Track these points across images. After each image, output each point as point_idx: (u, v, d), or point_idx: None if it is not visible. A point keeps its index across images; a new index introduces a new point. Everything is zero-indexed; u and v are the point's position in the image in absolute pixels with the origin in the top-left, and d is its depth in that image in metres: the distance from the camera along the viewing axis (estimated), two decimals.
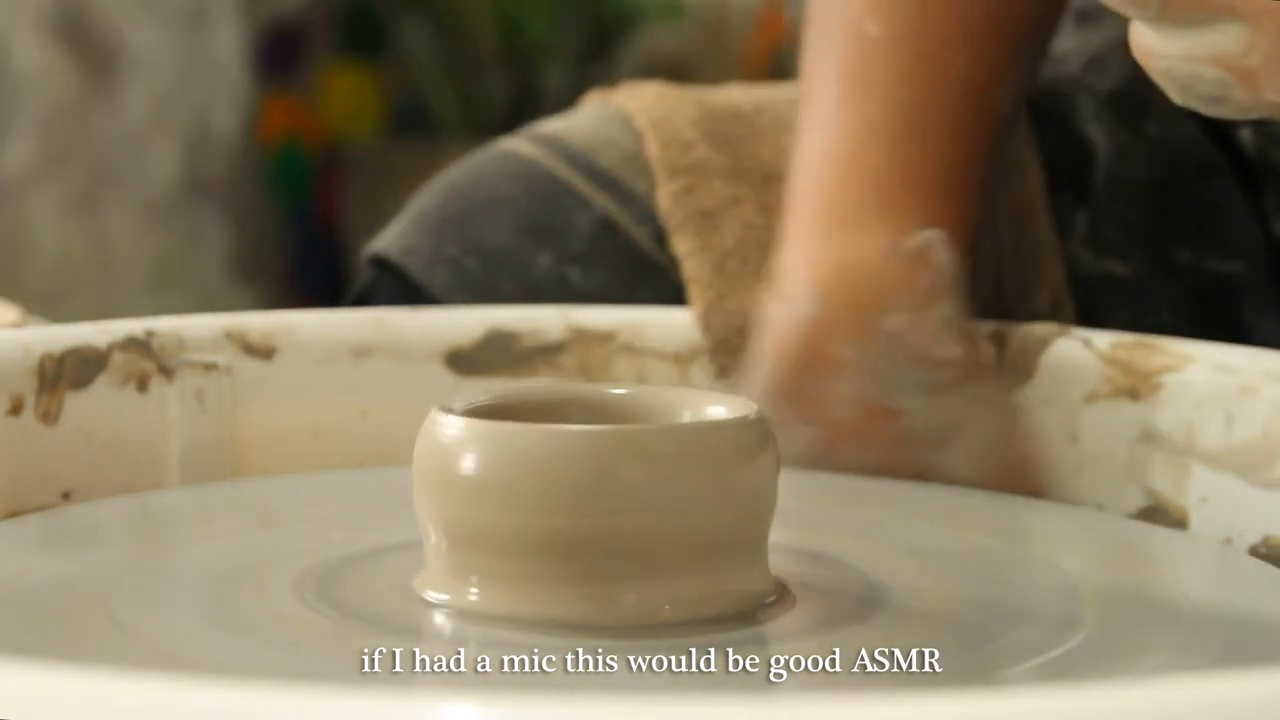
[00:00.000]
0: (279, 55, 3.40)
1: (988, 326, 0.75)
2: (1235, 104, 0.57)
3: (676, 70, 3.08)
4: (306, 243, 3.38)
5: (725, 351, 0.76)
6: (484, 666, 0.52)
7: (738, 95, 0.89)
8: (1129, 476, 0.71)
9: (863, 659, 0.51)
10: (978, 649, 0.52)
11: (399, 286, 0.86)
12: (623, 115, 0.88)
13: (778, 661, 0.51)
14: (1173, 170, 0.78)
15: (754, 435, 0.54)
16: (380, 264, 0.88)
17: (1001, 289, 0.80)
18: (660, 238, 0.83)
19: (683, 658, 0.51)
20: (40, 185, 2.92)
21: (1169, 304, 0.77)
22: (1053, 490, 0.71)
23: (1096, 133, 0.75)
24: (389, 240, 0.88)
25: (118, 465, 0.71)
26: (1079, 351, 0.72)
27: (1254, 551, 0.67)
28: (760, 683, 0.50)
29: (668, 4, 3.27)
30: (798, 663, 0.51)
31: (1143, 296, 0.80)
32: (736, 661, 0.51)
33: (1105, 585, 0.59)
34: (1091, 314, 0.76)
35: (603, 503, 0.52)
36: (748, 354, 0.75)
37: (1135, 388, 0.71)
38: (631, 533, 0.52)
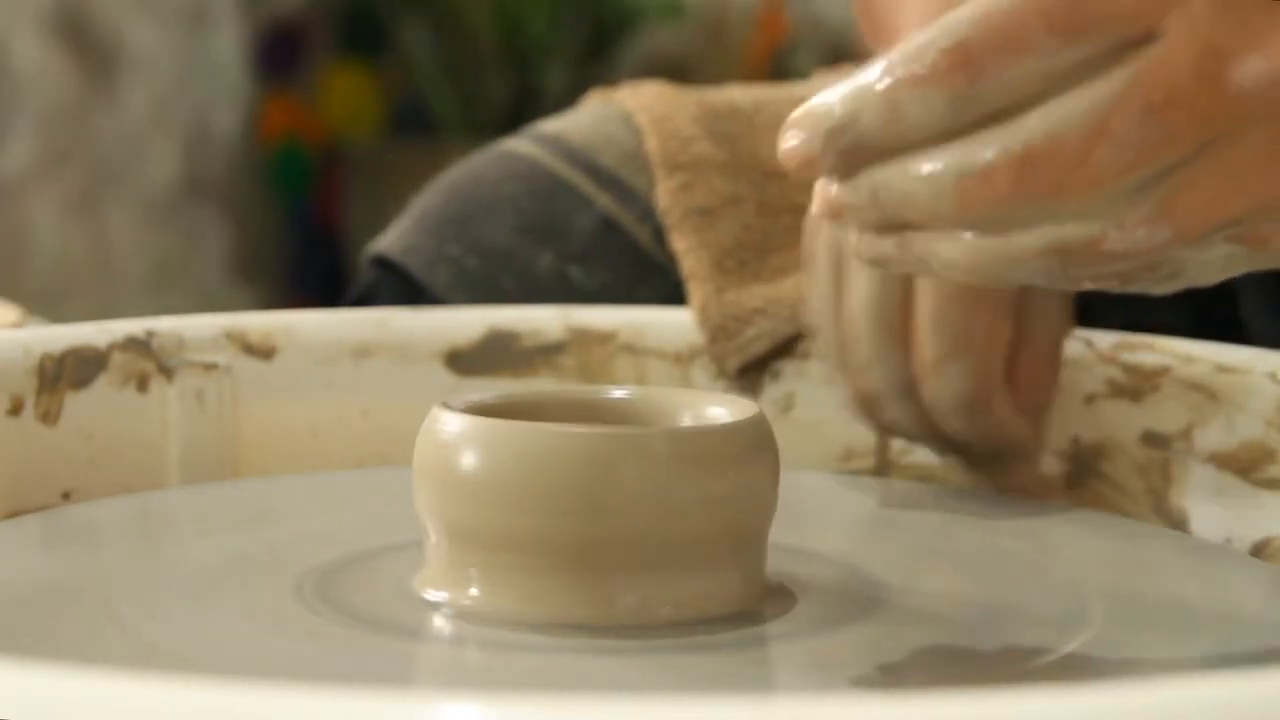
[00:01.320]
0: (279, 55, 3.40)
1: None
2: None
3: (676, 70, 3.08)
4: (306, 243, 3.38)
5: (723, 338, 0.76)
6: (484, 666, 0.52)
7: (737, 94, 0.89)
8: (1129, 476, 0.71)
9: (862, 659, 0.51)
10: (978, 649, 0.52)
11: (400, 286, 0.86)
12: (623, 113, 0.88)
13: (778, 662, 0.51)
14: None
15: (754, 437, 0.54)
16: (381, 264, 0.88)
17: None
18: (661, 236, 0.83)
19: (683, 658, 0.51)
20: (40, 185, 2.92)
21: (1169, 304, 0.76)
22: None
23: None
24: (390, 240, 0.88)
25: (118, 465, 0.71)
26: (1080, 352, 0.72)
27: (1254, 551, 0.67)
28: (760, 683, 0.50)
29: (668, 4, 3.27)
30: (798, 663, 0.51)
31: (1143, 297, 0.80)
32: (737, 661, 0.51)
33: (1105, 585, 0.59)
34: (1092, 314, 0.76)
35: (603, 503, 0.52)
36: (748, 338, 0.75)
37: (1135, 388, 0.71)
38: (631, 533, 0.52)
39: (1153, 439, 0.70)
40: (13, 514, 0.67)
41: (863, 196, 0.51)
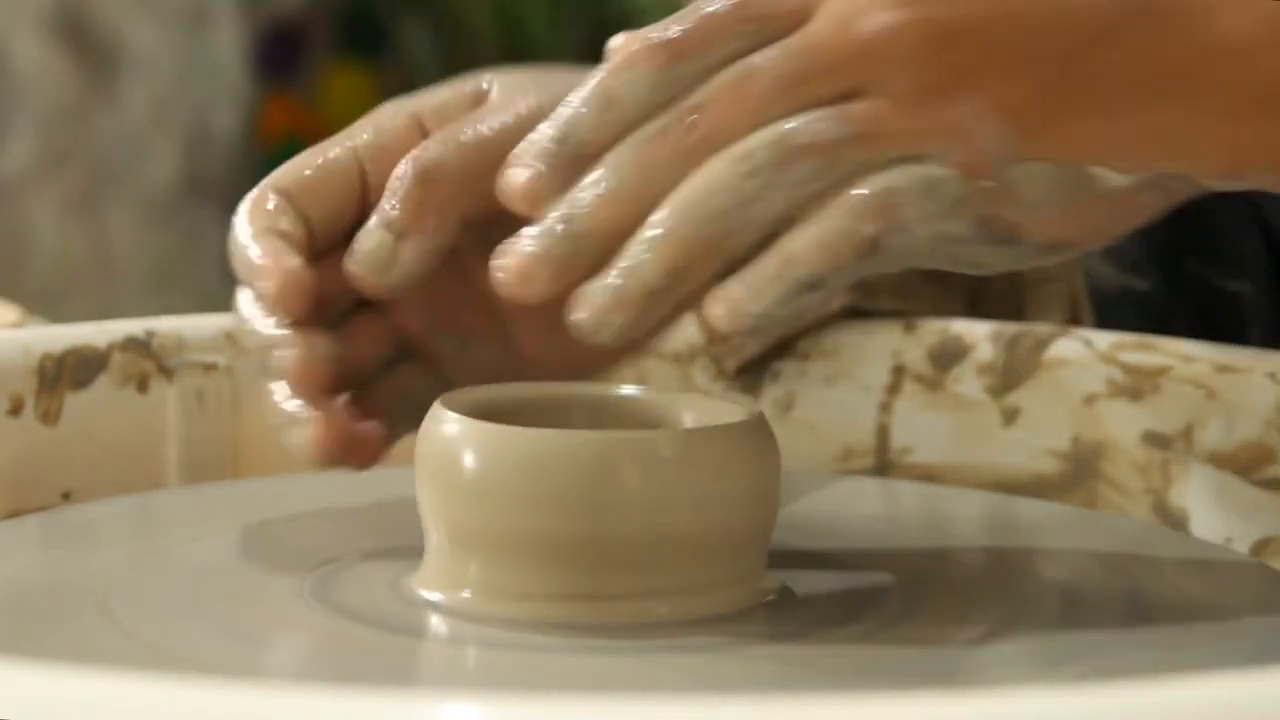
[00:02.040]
0: (279, 55, 3.40)
1: (988, 326, 0.75)
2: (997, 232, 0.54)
3: None
4: None
5: (722, 338, 0.76)
6: (483, 666, 0.52)
7: None
8: (1129, 477, 0.71)
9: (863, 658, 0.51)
10: (977, 649, 0.52)
11: None
12: None
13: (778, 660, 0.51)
14: None
15: (754, 437, 0.54)
16: None
17: (1020, 303, 0.80)
18: None
19: (683, 658, 0.51)
20: (40, 185, 2.92)
21: (1184, 319, 0.77)
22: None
23: None
24: None
25: (118, 465, 0.71)
26: (1080, 351, 0.72)
27: (1254, 551, 0.67)
28: (760, 683, 0.50)
29: (668, 4, 3.27)
30: (798, 663, 0.51)
31: (1160, 311, 0.80)
32: (736, 661, 0.51)
33: (1104, 585, 0.59)
34: (1109, 328, 0.76)
35: (604, 506, 0.52)
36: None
37: (1136, 388, 0.71)
38: (632, 535, 0.52)
39: (1153, 439, 0.70)
40: (13, 514, 0.67)
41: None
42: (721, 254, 0.52)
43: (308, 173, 0.61)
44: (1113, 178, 0.54)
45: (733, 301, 0.52)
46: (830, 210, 0.52)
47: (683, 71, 0.54)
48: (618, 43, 0.57)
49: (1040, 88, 0.53)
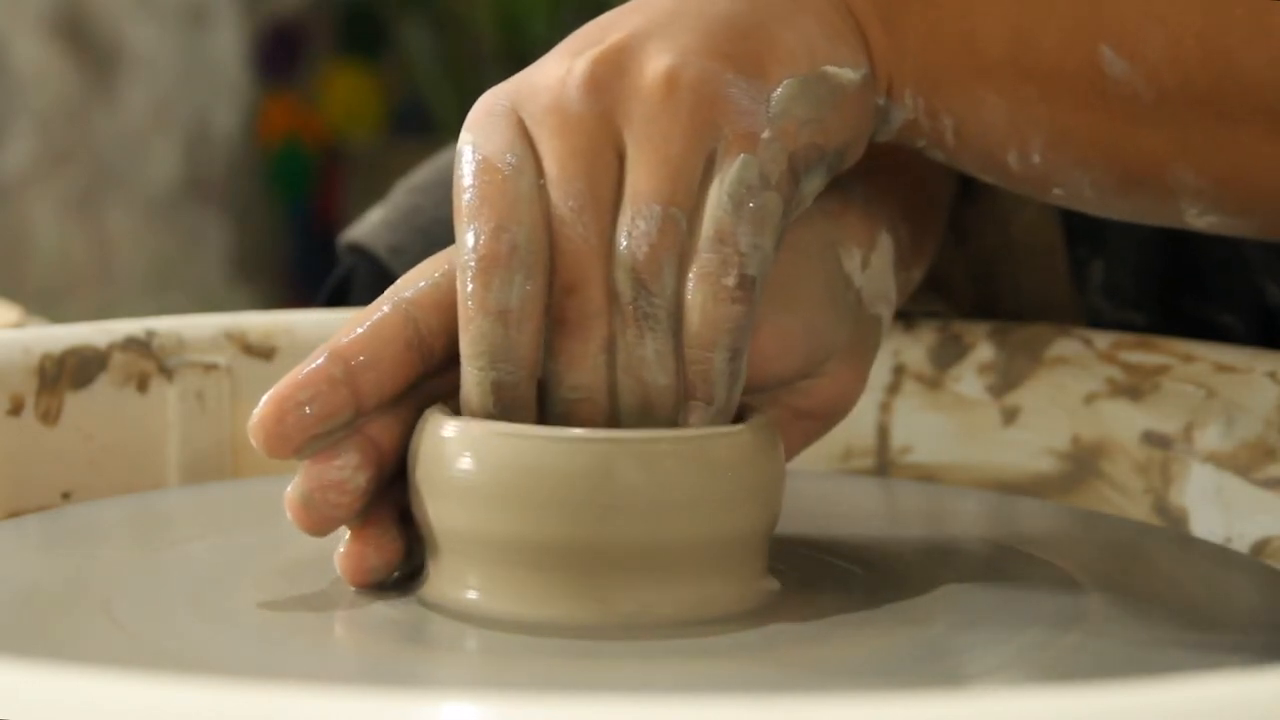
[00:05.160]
0: (279, 55, 3.40)
1: (988, 326, 0.75)
2: None
3: None
4: (306, 243, 3.38)
5: None
6: (483, 667, 0.52)
7: None
8: (1129, 476, 0.71)
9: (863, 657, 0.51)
10: (978, 648, 0.52)
11: (377, 271, 0.86)
12: None
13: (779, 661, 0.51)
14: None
15: (756, 439, 0.54)
16: (358, 251, 0.88)
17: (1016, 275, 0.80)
18: None
19: (683, 659, 0.51)
20: (40, 185, 2.92)
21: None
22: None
23: None
24: (376, 235, 0.88)
25: (118, 465, 0.71)
26: (1079, 350, 0.72)
27: (1254, 551, 0.67)
28: (761, 683, 0.50)
29: None
30: (798, 663, 0.51)
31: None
32: (737, 662, 0.51)
33: (1104, 585, 0.59)
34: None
35: (604, 509, 0.52)
36: None
37: (1135, 387, 0.71)
38: (633, 537, 0.52)
39: (1153, 438, 0.70)
40: (13, 514, 0.67)
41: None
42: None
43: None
44: (844, 73, 0.57)
45: (703, 412, 0.54)
46: (696, 288, 0.54)
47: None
48: None
49: (721, 39, 0.56)
